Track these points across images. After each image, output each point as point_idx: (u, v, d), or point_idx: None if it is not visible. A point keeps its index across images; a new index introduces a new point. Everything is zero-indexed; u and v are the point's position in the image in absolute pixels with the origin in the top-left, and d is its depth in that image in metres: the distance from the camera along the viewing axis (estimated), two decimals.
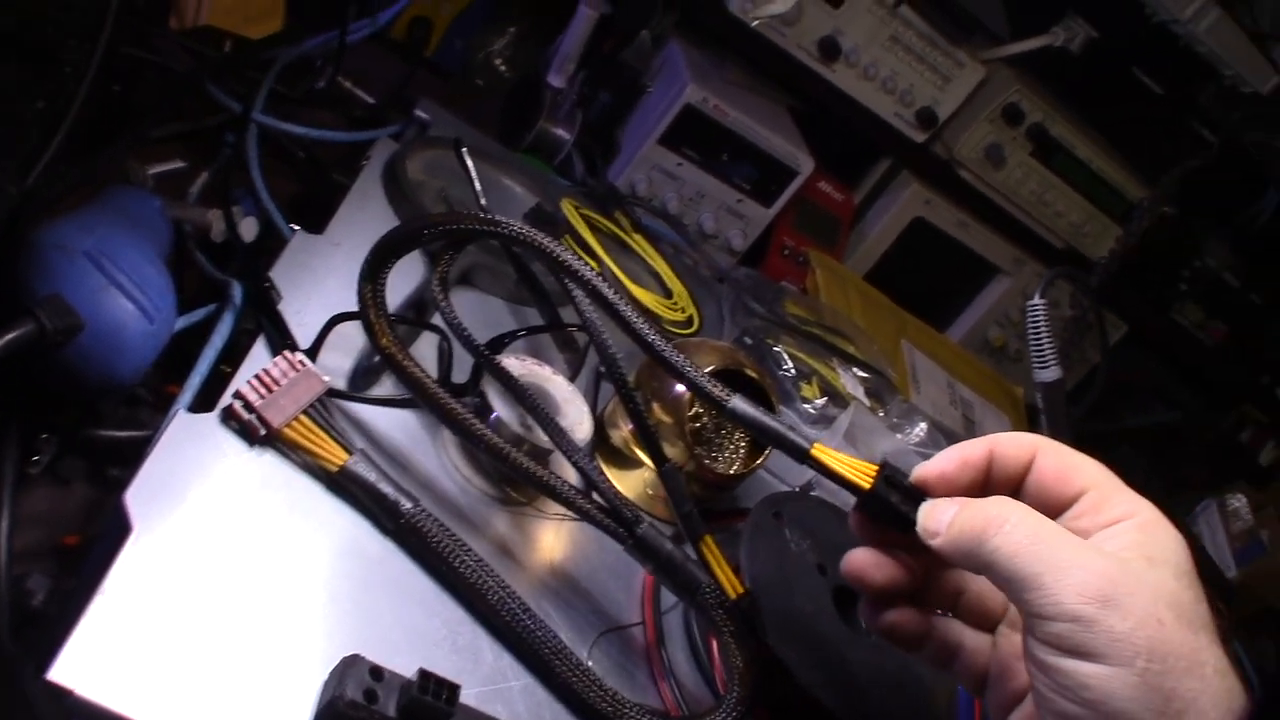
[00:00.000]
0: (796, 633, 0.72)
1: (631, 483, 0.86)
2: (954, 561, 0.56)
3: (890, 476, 0.59)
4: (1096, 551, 0.51)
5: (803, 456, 0.61)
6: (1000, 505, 0.54)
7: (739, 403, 0.63)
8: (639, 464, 0.85)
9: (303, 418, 0.65)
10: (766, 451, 0.89)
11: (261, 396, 0.64)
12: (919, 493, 0.59)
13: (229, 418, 0.64)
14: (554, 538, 0.76)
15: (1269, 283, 1.88)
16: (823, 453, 0.61)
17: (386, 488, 0.64)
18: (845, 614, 0.76)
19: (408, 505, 0.64)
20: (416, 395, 0.70)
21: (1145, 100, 1.53)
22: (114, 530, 0.56)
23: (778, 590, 0.74)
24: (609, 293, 0.65)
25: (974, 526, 0.54)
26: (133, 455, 0.66)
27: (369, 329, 0.70)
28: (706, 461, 0.85)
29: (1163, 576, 0.51)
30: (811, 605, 0.75)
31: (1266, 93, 1.41)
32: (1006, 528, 0.52)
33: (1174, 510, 1.83)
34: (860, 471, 0.60)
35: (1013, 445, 0.58)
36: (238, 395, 0.63)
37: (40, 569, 0.61)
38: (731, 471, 0.88)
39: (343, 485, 0.65)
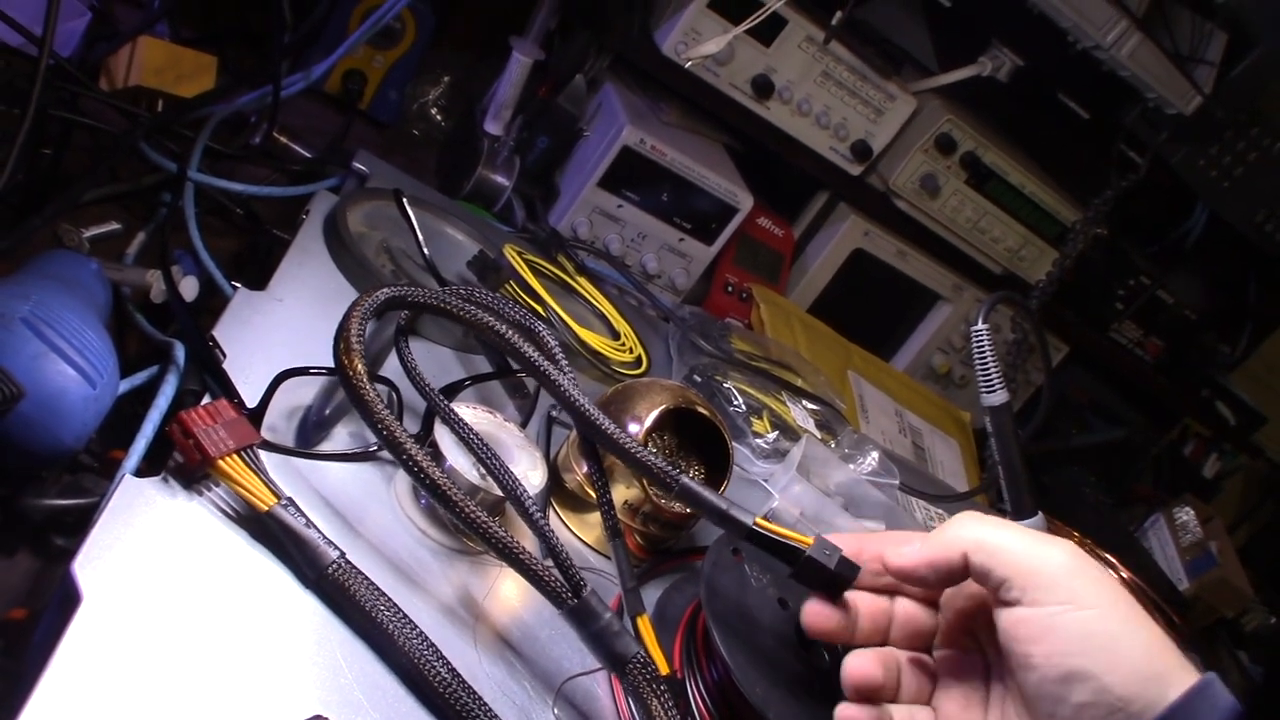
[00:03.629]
0: (762, 668, 0.71)
1: (588, 526, 0.86)
2: (927, 574, 0.63)
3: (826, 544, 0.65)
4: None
5: (745, 532, 0.67)
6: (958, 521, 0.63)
7: (687, 483, 0.69)
8: (595, 506, 0.85)
9: (236, 457, 0.64)
10: (724, 486, 0.89)
11: (199, 427, 0.63)
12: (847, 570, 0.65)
13: (166, 440, 0.63)
14: (516, 584, 0.75)
15: (1202, 298, 1.92)
16: (763, 524, 0.67)
17: (313, 534, 0.63)
18: (809, 646, 0.76)
19: (334, 555, 0.63)
20: (378, 437, 0.68)
21: (1073, 125, 1.56)
22: (62, 601, 0.55)
23: (741, 626, 0.73)
24: (574, 393, 0.75)
25: (944, 538, 0.62)
26: (78, 524, 0.65)
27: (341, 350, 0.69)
28: (663, 502, 0.85)
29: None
30: (775, 639, 0.75)
31: (1189, 113, 1.44)
32: (979, 529, 0.61)
33: (1124, 525, 1.85)
34: (799, 539, 0.66)
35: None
36: (177, 421, 0.62)
37: None
38: (688, 510, 0.88)
39: (272, 534, 0.64)
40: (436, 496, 0.67)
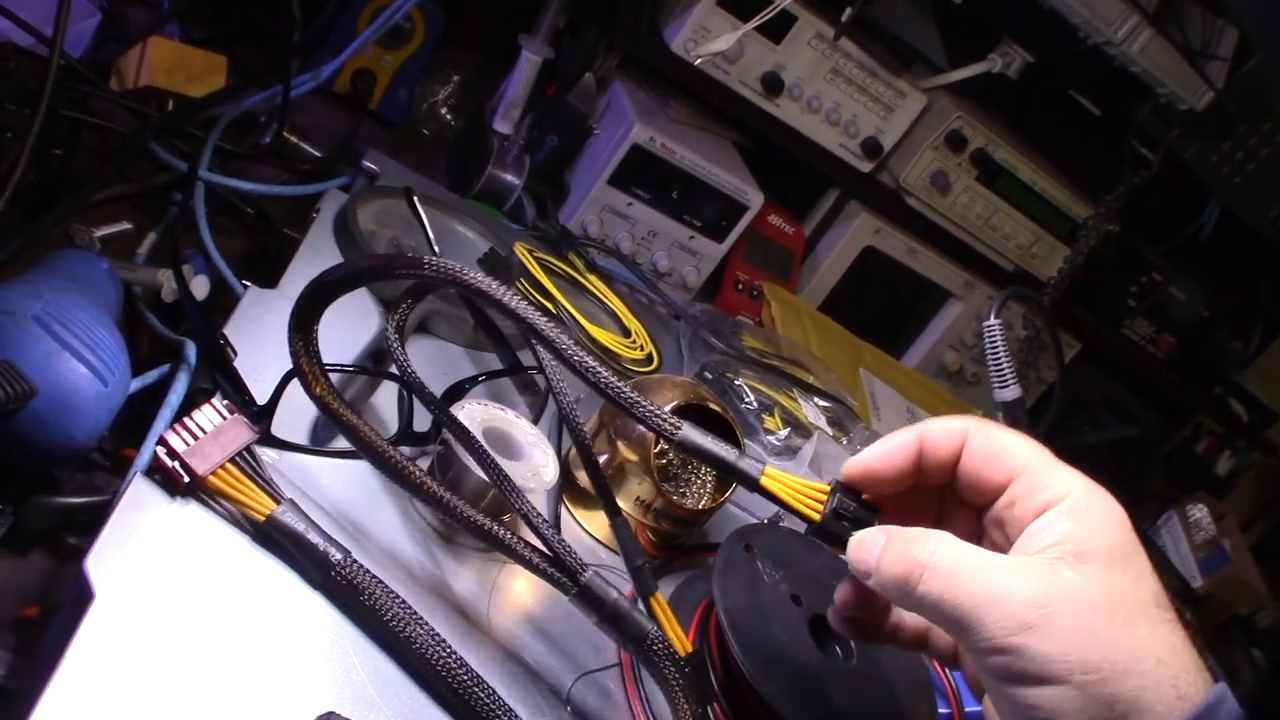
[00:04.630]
0: (774, 665, 0.71)
1: (600, 522, 0.86)
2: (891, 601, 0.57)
3: (839, 504, 0.59)
4: (1018, 573, 0.52)
5: (753, 485, 0.61)
6: (920, 546, 0.54)
7: (689, 432, 0.62)
8: None
9: (229, 466, 0.63)
10: (734, 485, 0.89)
11: (186, 443, 0.62)
12: (867, 512, 0.60)
13: (154, 469, 0.61)
14: (529, 581, 0.75)
15: (1214, 295, 1.91)
16: (773, 479, 0.61)
17: (315, 537, 0.62)
18: (822, 643, 0.76)
19: (337, 556, 0.62)
20: (356, 445, 0.67)
21: (1084, 121, 1.55)
22: (76, 599, 0.55)
23: (753, 623, 0.73)
24: (547, 328, 0.62)
25: (897, 574, 0.54)
26: (91, 522, 0.65)
27: (301, 379, 0.67)
28: (675, 498, 0.85)
29: (1091, 575, 0.51)
30: (787, 636, 0.74)
31: (1201, 109, 1.44)
32: (926, 574, 0.53)
33: (1137, 523, 1.85)
34: (811, 498, 0.60)
35: (942, 434, 0.59)
36: (161, 442, 0.61)
37: (1, 643, 0.60)
38: (700, 506, 0.87)
39: (273, 538, 0.63)
40: (423, 498, 0.67)
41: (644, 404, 0.62)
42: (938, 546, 0.54)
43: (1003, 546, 0.57)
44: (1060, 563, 0.52)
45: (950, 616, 0.52)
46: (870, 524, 0.59)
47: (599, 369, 0.62)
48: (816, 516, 0.60)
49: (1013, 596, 0.50)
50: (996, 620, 0.50)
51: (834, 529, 0.59)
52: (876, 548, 0.56)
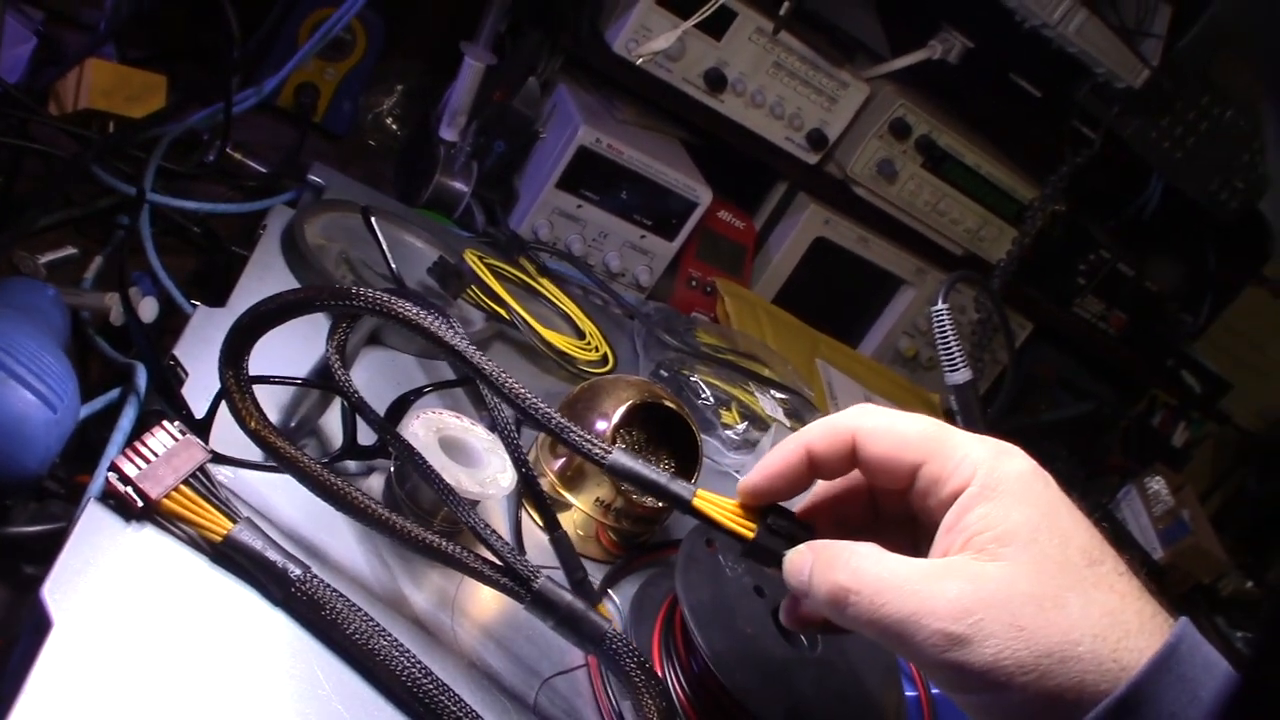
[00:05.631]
0: (740, 657, 0.72)
1: (563, 521, 0.86)
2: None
3: (772, 523, 0.60)
4: (942, 580, 0.52)
5: (685, 507, 0.62)
6: (843, 565, 0.54)
7: (618, 456, 0.63)
8: (567, 506, 0.85)
9: (183, 488, 0.62)
10: (695, 478, 0.89)
11: (139, 467, 0.61)
12: (801, 529, 0.60)
13: (108, 495, 0.61)
14: None
15: (1161, 269, 1.94)
16: (705, 500, 0.61)
17: (273, 555, 0.62)
18: (787, 634, 0.76)
19: (296, 572, 0.62)
20: (293, 475, 0.67)
21: (1026, 104, 1.57)
22: (33, 629, 0.54)
23: (717, 617, 0.73)
24: (477, 358, 0.63)
25: (826, 596, 0.54)
26: (47, 551, 0.65)
27: (235, 414, 0.67)
28: (634, 496, 0.85)
29: (1015, 558, 0.51)
30: (752, 628, 0.75)
31: (1139, 86, 1.46)
32: (851, 596, 0.53)
33: (1097, 498, 1.87)
34: (745, 517, 0.61)
35: (826, 437, 0.60)
36: (113, 467, 0.61)
37: None
38: (660, 504, 0.88)
39: (231, 558, 0.62)
40: (367, 522, 0.66)
41: (573, 430, 0.63)
42: (860, 563, 0.54)
43: (929, 530, 0.57)
44: (982, 557, 0.52)
45: (883, 636, 0.52)
46: (804, 540, 0.59)
47: (529, 396, 0.63)
48: (750, 535, 0.60)
49: (937, 610, 0.50)
50: (926, 638, 0.50)
51: (769, 546, 0.59)
52: (807, 567, 0.56)
